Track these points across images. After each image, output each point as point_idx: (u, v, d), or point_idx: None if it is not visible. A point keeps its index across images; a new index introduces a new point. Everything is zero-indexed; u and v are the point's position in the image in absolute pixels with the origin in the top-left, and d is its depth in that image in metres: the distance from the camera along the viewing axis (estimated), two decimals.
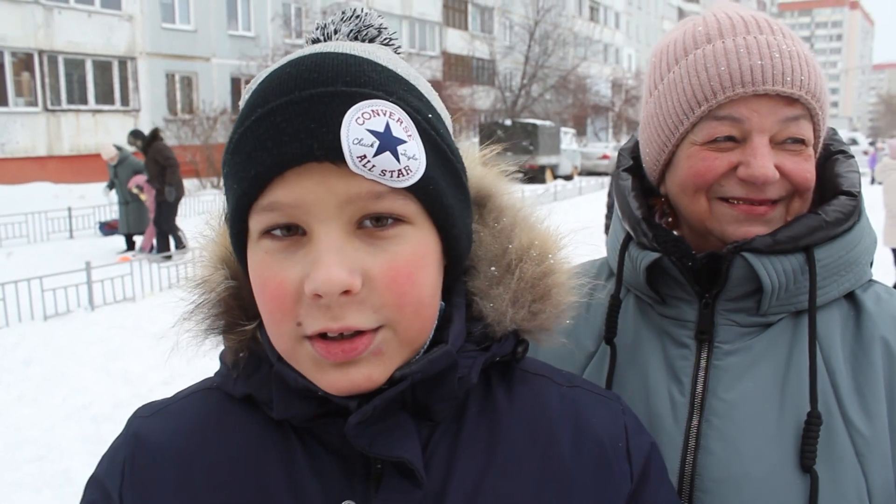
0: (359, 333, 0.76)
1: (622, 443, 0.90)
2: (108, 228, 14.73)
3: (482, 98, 40.40)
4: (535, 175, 29.60)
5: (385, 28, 0.88)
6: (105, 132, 24.21)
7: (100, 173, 22.70)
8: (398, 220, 0.77)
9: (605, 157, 35.11)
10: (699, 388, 1.14)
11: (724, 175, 1.11)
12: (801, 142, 1.11)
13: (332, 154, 0.73)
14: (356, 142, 0.73)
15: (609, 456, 0.88)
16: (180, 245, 11.86)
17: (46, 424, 5.37)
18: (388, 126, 0.75)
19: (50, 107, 23.20)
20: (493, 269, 0.89)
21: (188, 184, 20.75)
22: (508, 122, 31.42)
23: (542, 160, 30.23)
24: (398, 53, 0.89)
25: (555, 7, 43.64)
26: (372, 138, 0.74)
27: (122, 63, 25.23)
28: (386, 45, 0.88)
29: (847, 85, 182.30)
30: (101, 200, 15.93)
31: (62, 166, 22.82)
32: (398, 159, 0.75)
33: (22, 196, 18.29)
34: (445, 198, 0.80)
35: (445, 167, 0.81)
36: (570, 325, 1.27)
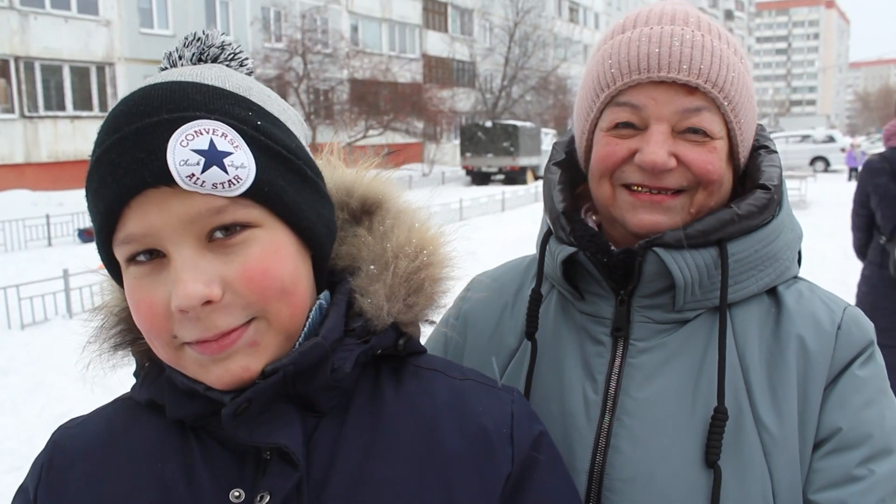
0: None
1: (507, 429, 0.95)
2: (87, 235, 14.58)
3: (463, 100, 40.44)
4: (515, 176, 29.71)
5: (229, 45, 0.95)
6: (83, 138, 23.98)
7: (79, 180, 22.54)
8: (245, 226, 0.83)
9: None
10: (612, 386, 1.13)
11: (625, 161, 1.11)
12: (703, 133, 1.09)
13: (163, 178, 0.79)
14: (182, 163, 0.79)
15: (493, 441, 0.93)
16: None
17: (24, 435, 5.30)
18: (211, 142, 0.81)
19: (27, 113, 22.95)
20: (372, 267, 0.96)
21: None
22: (489, 124, 31.39)
23: (523, 161, 30.32)
24: (244, 66, 0.96)
25: (534, 8, 43.81)
26: (197, 157, 0.79)
27: (100, 69, 25.02)
28: (231, 59, 0.95)
29: (825, 83, 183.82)
30: (80, 207, 15.77)
31: (40, 173, 22.58)
32: (226, 171, 0.80)
33: None
34: (286, 195, 0.86)
35: (283, 167, 0.87)
36: (494, 323, 1.28)
